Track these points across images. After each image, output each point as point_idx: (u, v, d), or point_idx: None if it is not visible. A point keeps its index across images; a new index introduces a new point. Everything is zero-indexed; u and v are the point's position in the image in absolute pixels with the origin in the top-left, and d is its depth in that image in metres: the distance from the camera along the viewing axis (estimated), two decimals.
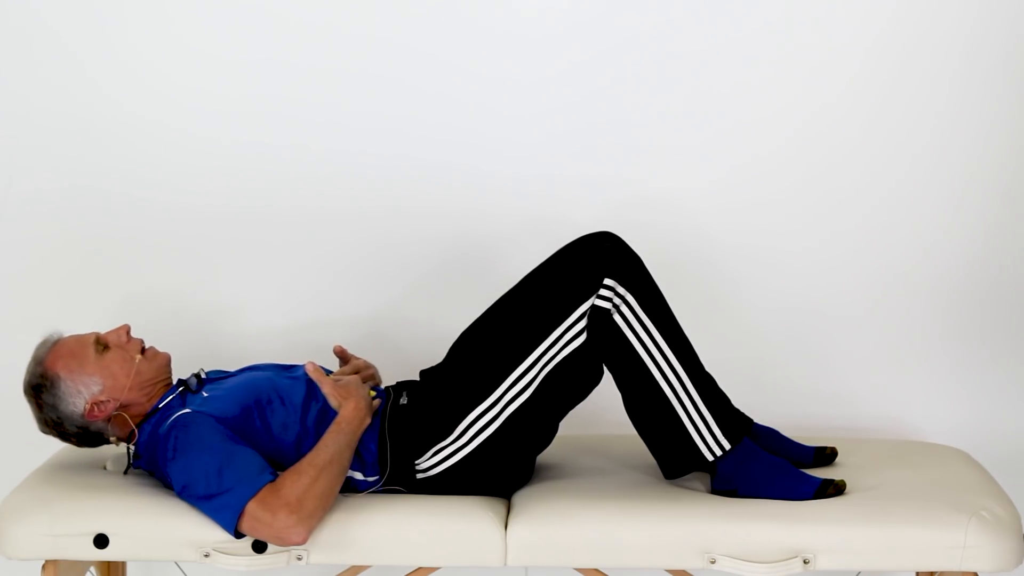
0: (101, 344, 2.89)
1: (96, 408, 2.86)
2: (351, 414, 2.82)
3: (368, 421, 2.85)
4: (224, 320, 3.43)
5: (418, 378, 3.04)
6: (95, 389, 2.86)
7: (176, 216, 3.40)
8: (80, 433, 2.89)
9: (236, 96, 3.38)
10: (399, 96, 3.36)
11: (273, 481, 2.71)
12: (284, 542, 2.70)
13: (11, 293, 3.43)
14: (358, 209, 3.39)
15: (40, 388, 2.87)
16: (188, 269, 3.42)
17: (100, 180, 3.39)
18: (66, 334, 2.92)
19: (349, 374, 3.00)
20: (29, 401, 2.90)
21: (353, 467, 2.85)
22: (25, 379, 2.90)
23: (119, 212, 3.40)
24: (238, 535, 2.72)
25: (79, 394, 2.86)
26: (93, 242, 3.41)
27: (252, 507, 2.69)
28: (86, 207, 3.39)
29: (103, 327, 3.39)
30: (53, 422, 2.88)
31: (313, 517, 2.70)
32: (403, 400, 2.93)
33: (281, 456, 2.84)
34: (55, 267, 3.42)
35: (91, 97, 3.38)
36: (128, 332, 2.92)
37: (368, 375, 3.04)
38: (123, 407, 2.87)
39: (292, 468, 2.75)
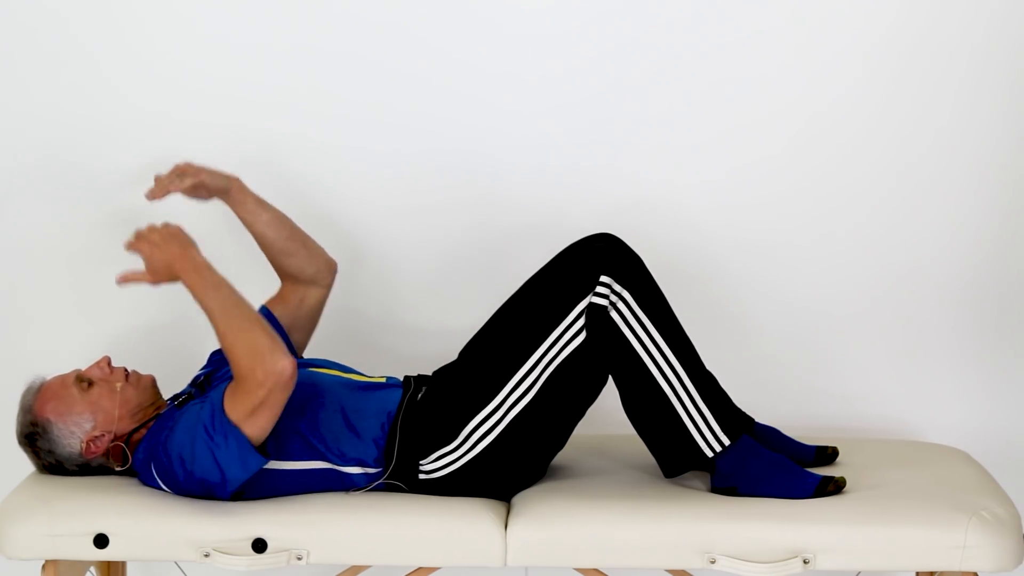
0: (84, 381, 2.89)
1: (92, 444, 2.87)
2: (185, 269, 2.77)
3: (194, 249, 2.80)
4: None
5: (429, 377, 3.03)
6: (87, 426, 2.87)
7: (179, 213, 3.39)
8: (81, 470, 2.90)
9: (233, 97, 3.37)
10: (404, 89, 3.35)
11: (224, 392, 2.72)
12: (283, 382, 2.68)
13: (12, 290, 3.42)
14: (360, 206, 3.39)
15: (34, 436, 2.88)
16: None
17: (103, 174, 3.38)
18: (48, 376, 2.93)
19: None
20: (25, 450, 2.91)
21: (355, 462, 2.84)
22: (17, 430, 2.91)
23: (121, 207, 3.39)
24: (261, 452, 2.73)
25: (72, 434, 2.87)
26: (94, 239, 3.40)
27: (232, 411, 2.69)
28: (89, 201, 3.38)
29: (107, 326, 3.40)
30: (53, 465, 2.90)
31: (274, 350, 2.68)
32: (420, 396, 2.91)
33: (284, 444, 2.82)
34: (58, 264, 3.41)
35: (100, 90, 3.37)
36: (109, 363, 2.93)
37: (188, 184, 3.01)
38: (118, 437, 2.88)
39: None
